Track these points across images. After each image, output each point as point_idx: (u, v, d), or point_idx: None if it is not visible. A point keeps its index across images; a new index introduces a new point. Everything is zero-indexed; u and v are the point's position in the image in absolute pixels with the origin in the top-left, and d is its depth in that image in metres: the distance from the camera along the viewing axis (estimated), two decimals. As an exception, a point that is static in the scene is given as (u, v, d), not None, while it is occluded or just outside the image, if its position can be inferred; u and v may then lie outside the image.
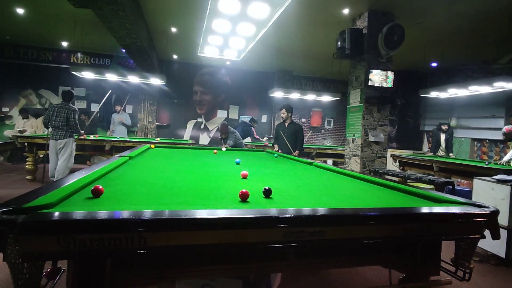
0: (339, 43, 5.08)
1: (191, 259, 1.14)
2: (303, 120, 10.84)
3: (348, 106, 5.55)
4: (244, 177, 2.00)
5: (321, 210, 1.19)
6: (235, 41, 3.46)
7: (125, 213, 0.95)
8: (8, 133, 7.60)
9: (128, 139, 6.25)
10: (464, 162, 5.02)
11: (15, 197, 1.10)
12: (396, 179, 4.19)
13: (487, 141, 7.69)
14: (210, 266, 1.18)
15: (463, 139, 8.35)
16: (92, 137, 6.14)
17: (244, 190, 1.36)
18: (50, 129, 4.92)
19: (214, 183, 1.76)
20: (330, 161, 8.09)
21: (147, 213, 0.96)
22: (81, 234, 0.88)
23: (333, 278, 2.51)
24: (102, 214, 0.93)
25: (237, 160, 2.90)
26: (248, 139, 8.57)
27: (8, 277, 2.22)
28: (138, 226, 0.91)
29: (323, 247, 1.21)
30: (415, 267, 1.37)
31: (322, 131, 11.08)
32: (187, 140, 7.56)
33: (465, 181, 6.12)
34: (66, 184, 1.35)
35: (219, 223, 0.98)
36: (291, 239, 1.06)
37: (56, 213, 0.93)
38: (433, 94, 6.69)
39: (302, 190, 1.74)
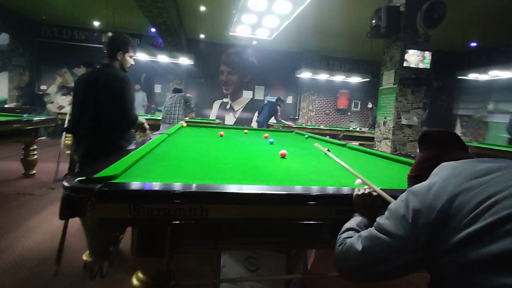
0: (374, 21, 4.87)
1: (242, 232, 1.19)
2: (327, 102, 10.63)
3: (380, 88, 5.38)
4: (283, 156, 2.03)
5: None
6: (269, 20, 3.41)
7: (191, 186, 1.00)
8: (50, 107, 8.08)
9: (159, 118, 6.41)
10: (502, 148, 4.79)
11: (81, 169, 1.18)
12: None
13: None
14: (257, 239, 1.23)
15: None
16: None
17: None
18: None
19: (256, 161, 1.81)
20: (356, 144, 7.97)
21: (211, 187, 1.01)
22: (150, 203, 0.94)
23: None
24: (170, 186, 1.00)
25: (271, 140, 2.93)
26: (273, 120, 8.53)
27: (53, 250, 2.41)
28: (202, 198, 0.96)
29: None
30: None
31: (349, 113, 10.86)
32: (214, 120, 7.66)
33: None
34: (122, 158, 1.43)
35: (278, 198, 1.02)
36: (344, 217, 1.09)
37: (130, 184, 1.00)
38: (472, 76, 6.35)
39: (344, 170, 1.75)
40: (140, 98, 8.14)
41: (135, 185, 0.99)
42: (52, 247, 2.36)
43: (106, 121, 2.08)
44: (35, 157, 4.21)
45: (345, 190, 1.16)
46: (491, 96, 8.31)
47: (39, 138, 4.52)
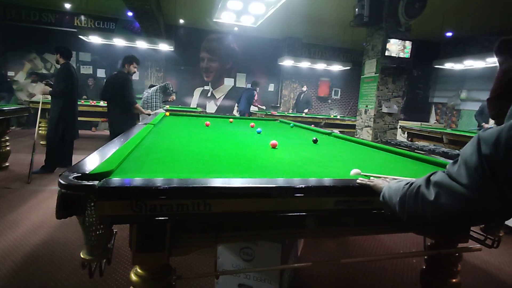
0: (357, 10, 4.90)
1: (244, 224, 1.20)
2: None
3: (362, 76, 5.46)
4: (274, 146, 2.03)
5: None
6: (255, 6, 3.34)
7: (194, 181, 0.98)
8: (20, 95, 7.60)
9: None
10: (474, 135, 5.02)
11: (74, 165, 1.13)
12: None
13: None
14: (258, 230, 1.24)
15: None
16: (102, 103, 6.12)
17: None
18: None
19: (249, 152, 1.80)
20: (336, 131, 8.12)
21: (214, 182, 1.00)
22: (152, 200, 0.92)
23: (353, 244, 2.63)
24: (173, 182, 0.97)
25: (258, 129, 2.92)
26: (255, 109, 8.47)
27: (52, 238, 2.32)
28: (206, 193, 0.95)
29: (370, 215, 1.26)
30: (447, 234, 1.44)
31: (329, 101, 10.99)
32: (196, 108, 7.55)
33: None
34: (112, 153, 1.37)
35: (281, 191, 1.02)
36: (342, 207, 1.11)
37: (131, 180, 0.97)
38: (448, 65, 6.56)
39: (335, 160, 1.78)
40: None
41: (137, 181, 0.95)
42: (34, 241, 2.27)
43: (119, 102, 3.99)
44: (8, 148, 3.99)
45: (344, 181, 1.18)
46: (465, 84, 8.66)
47: (10, 129, 4.27)
